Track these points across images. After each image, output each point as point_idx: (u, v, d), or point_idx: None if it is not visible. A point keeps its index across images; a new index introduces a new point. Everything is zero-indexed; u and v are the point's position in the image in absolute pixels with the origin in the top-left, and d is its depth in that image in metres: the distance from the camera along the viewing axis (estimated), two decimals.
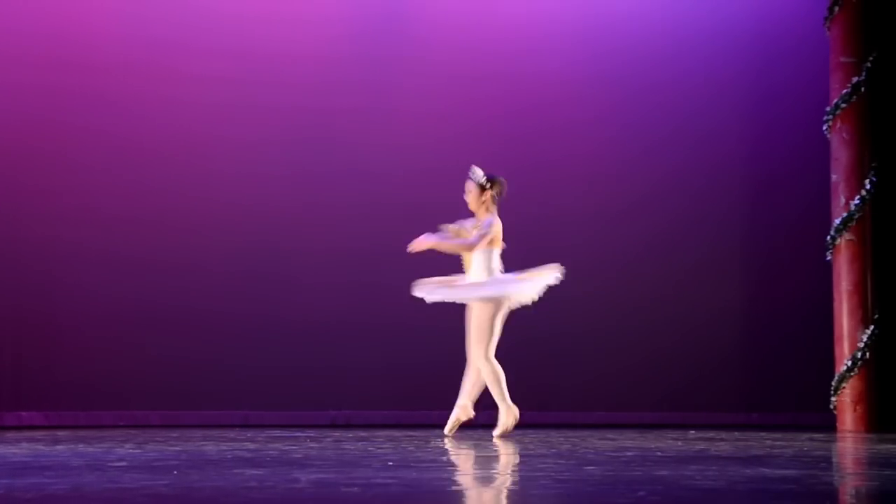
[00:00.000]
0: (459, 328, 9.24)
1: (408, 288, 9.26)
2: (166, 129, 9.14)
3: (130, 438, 7.05)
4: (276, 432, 7.94)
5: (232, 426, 8.74)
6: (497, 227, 7.56)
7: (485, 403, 7.74)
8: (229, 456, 5.65)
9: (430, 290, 7.62)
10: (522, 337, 9.17)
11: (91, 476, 4.57)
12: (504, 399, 7.47)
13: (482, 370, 7.49)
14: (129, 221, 9.04)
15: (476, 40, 9.59)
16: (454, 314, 9.20)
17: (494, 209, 7.64)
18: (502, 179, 7.67)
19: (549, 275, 7.58)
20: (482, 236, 7.49)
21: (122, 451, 6.00)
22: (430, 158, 9.41)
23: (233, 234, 9.18)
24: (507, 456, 5.85)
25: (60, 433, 7.73)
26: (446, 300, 7.61)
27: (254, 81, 9.27)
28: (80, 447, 6.28)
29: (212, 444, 6.54)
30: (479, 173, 7.65)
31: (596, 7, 9.85)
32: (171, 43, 9.19)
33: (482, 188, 7.64)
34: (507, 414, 7.47)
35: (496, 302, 7.48)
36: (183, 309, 9.02)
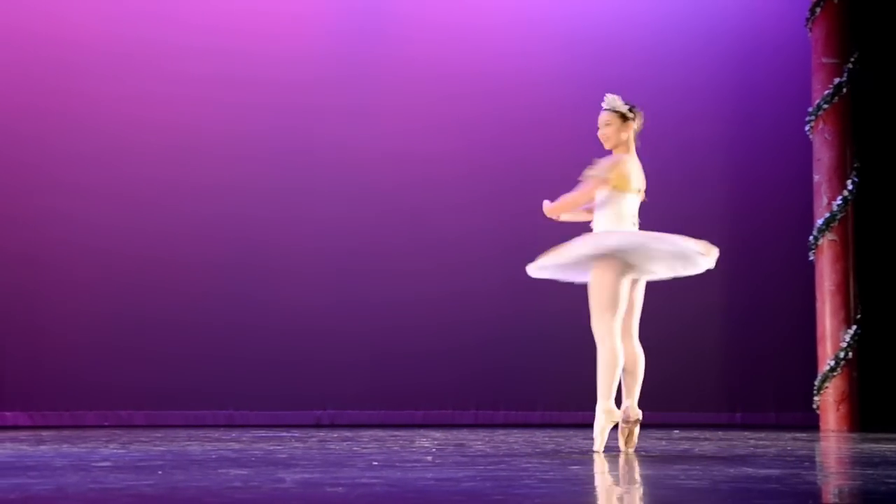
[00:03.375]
0: (448, 327, 9.28)
1: (392, 287, 9.29)
2: (151, 127, 9.13)
3: (115, 438, 7.04)
4: (261, 432, 7.94)
5: (217, 426, 8.73)
6: (624, 166, 6.06)
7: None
8: (214, 456, 5.64)
9: (538, 265, 6.10)
10: (508, 336, 9.20)
11: (75, 476, 4.57)
12: (606, 395, 5.98)
13: (598, 349, 6.02)
14: (113, 220, 9.02)
15: (461, 39, 9.61)
16: (442, 312, 9.22)
17: (633, 148, 6.21)
18: (642, 111, 6.29)
19: (707, 257, 6.22)
20: (594, 178, 6.00)
21: (106, 451, 5.98)
22: (416, 156, 9.42)
23: (217, 234, 9.17)
24: (489, 455, 5.86)
25: (44, 433, 7.70)
26: (558, 277, 6.22)
27: (239, 80, 9.27)
28: (64, 447, 6.27)
29: (196, 444, 6.53)
30: (618, 100, 6.18)
31: (579, 7, 9.86)
32: (154, 42, 9.18)
33: (624, 118, 6.16)
34: (605, 417, 6.00)
35: (619, 258, 5.92)
36: (167, 309, 9.00)
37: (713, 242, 9.73)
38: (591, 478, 4.70)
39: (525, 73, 9.56)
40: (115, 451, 6.00)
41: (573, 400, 9.47)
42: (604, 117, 6.15)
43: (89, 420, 8.81)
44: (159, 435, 7.49)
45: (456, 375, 9.23)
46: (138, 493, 4.02)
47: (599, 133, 6.16)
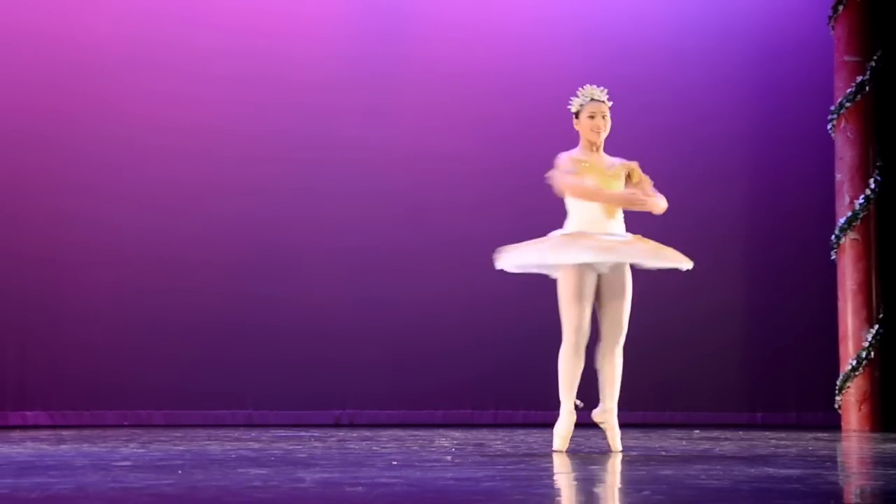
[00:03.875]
0: (467, 326, 9.27)
1: (411, 286, 9.28)
2: (168, 128, 9.14)
3: (134, 438, 7.06)
4: (281, 432, 7.95)
5: (236, 426, 8.75)
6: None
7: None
8: (233, 455, 5.65)
9: (509, 260, 6.16)
10: (526, 334, 9.18)
11: (95, 476, 4.58)
12: (564, 395, 6.00)
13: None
14: (132, 221, 9.04)
15: (478, 38, 9.58)
16: (461, 311, 9.21)
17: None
18: None
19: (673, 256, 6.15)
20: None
21: (126, 450, 6.00)
22: (434, 155, 9.41)
23: (237, 233, 9.18)
24: (508, 455, 5.85)
25: (65, 433, 7.73)
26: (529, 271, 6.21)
27: (253, 80, 9.25)
28: (85, 447, 6.29)
29: (216, 444, 6.54)
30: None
31: (598, 6, 9.84)
32: (169, 42, 9.17)
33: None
34: (565, 418, 6.03)
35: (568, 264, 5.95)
36: (186, 309, 9.02)
37: (734, 241, 9.79)
38: (611, 477, 4.69)
39: (541, 73, 9.52)
40: (134, 450, 6.01)
41: (594, 400, 9.47)
42: (606, 108, 6.16)
43: (109, 420, 8.83)
44: (179, 434, 7.51)
45: (475, 375, 9.22)
46: (158, 492, 4.02)
47: (606, 124, 6.14)
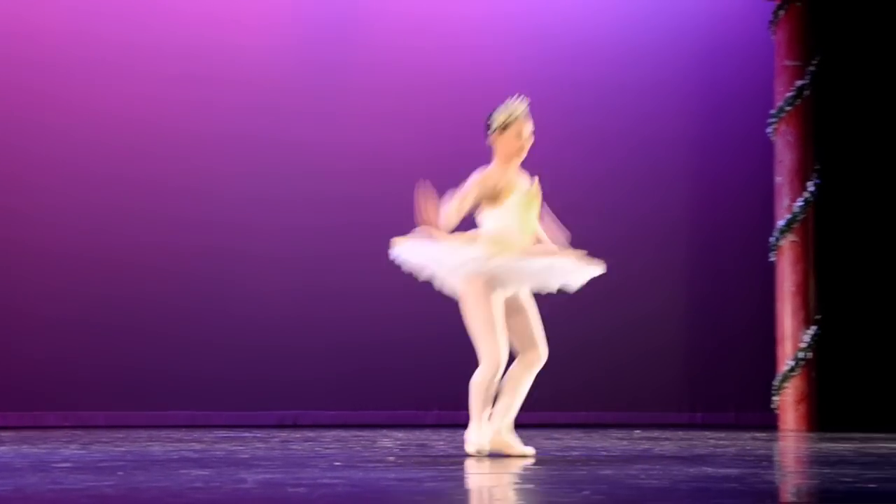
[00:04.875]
0: (409, 327, 9.26)
1: (354, 289, 9.27)
2: (118, 127, 9.06)
3: (75, 439, 7.00)
4: (223, 433, 7.92)
5: (178, 427, 8.70)
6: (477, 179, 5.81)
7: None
8: (175, 456, 5.63)
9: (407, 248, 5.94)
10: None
11: (34, 477, 4.54)
12: (476, 418, 5.81)
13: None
14: (74, 221, 8.96)
15: (425, 39, 9.59)
16: (407, 311, 9.21)
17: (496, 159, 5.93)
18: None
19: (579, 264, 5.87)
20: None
21: (66, 451, 5.95)
22: (378, 156, 9.40)
23: (180, 234, 9.12)
24: (451, 456, 5.87)
25: (4, 434, 7.65)
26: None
27: (196, 78, 9.20)
28: (24, 448, 6.23)
29: (158, 445, 6.51)
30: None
31: (545, 9, 9.89)
32: (126, 41, 9.11)
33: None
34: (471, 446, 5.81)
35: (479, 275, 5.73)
36: (129, 309, 8.96)
37: (676, 243, 9.89)
38: (552, 478, 4.73)
39: (488, 73, 9.52)
40: (75, 451, 5.97)
41: (527, 400, 9.50)
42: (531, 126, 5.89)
43: (50, 421, 8.75)
44: (121, 435, 7.46)
45: (418, 375, 9.22)
46: (99, 493, 4.00)
47: (530, 141, 5.87)
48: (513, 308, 5.87)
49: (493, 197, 5.80)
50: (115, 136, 9.08)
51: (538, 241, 5.94)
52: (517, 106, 5.86)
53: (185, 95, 9.18)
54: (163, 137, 9.15)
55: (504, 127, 5.84)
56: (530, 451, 5.84)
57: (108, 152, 9.05)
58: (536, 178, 5.95)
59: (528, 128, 5.85)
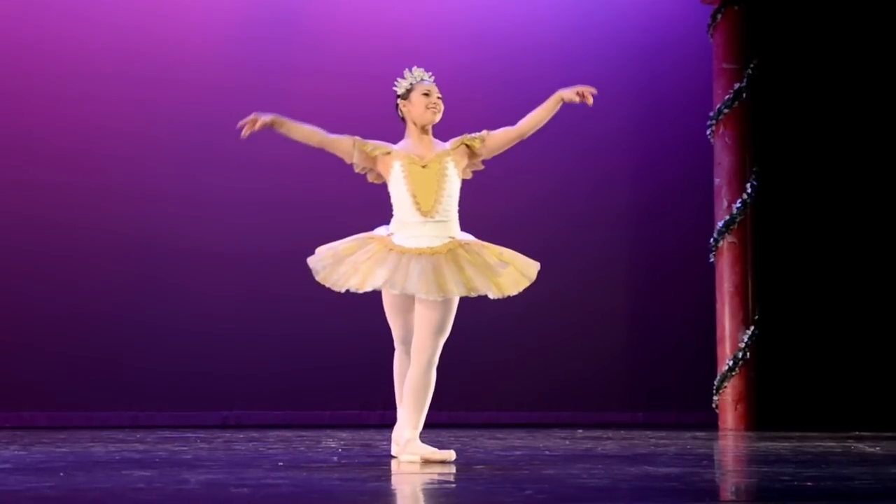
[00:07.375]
0: (352, 326, 9.25)
1: (297, 289, 9.25)
2: (52, 125, 8.99)
3: (16, 440, 6.94)
4: (167, 433, 7.88)
5: (121, 427, 8.64)
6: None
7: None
8: (117, 457, 5.60)
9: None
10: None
11: None
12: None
13: (423, 373, 5.65)
14: (13, 217, 8.88)
15: (366, 41, 9.60)
16: (351, 311, 9.20)
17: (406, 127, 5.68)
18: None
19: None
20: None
21: (7, 452, 5.91)
22: (322, 160, 9.37)
23: (120, 233, 9.07)
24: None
25: None
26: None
27: (139, 79, 9.15)
28: None
29: (100, 446, 6.48)
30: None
31: (486, 11, 9.93)
32: (63, 39, 9.05)
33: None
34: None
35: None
36: (71, 308, 8.89)
37: (617, 244, 9.95)
38: (494, 477, 4.76)
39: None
40: (15, 452, 5.92)
41: (471, 400, 9.55)
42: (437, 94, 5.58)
43: None
44: (62, 436, 7.40)
45: (362, 375, 9.22)
46: (39, 494, 3.98)
47: (441, 104, 5.60)
48: (408, 306, 5.67)
49: (373, 166, 5.58)
50: (43, 141, 9.00)
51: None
52: (417, 71, 5.66)
53: (132, 96, 9.12)
54: (106, 140, 9.09)
55: (406, 93, 5.61)
56: (450, 454, 5.45)
57: (55, 155, 8.99)
58: (460, 138, 5.65)
59: (433, 91, 5.58)
